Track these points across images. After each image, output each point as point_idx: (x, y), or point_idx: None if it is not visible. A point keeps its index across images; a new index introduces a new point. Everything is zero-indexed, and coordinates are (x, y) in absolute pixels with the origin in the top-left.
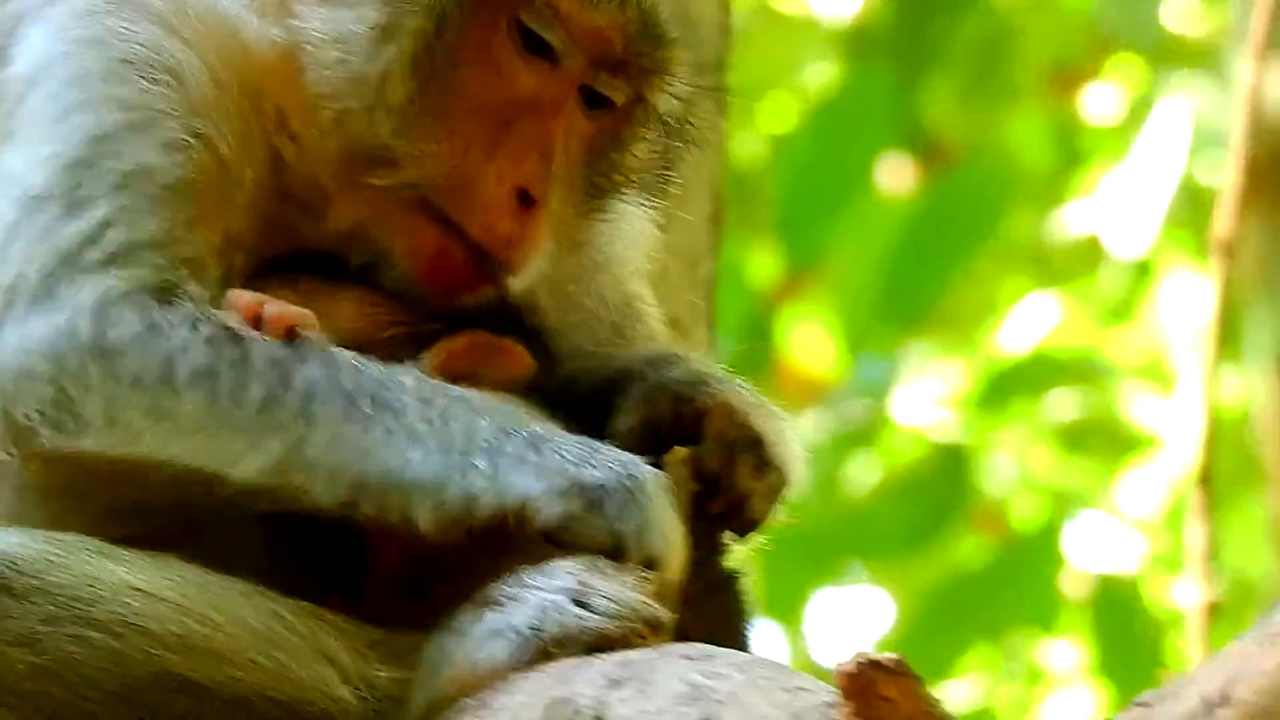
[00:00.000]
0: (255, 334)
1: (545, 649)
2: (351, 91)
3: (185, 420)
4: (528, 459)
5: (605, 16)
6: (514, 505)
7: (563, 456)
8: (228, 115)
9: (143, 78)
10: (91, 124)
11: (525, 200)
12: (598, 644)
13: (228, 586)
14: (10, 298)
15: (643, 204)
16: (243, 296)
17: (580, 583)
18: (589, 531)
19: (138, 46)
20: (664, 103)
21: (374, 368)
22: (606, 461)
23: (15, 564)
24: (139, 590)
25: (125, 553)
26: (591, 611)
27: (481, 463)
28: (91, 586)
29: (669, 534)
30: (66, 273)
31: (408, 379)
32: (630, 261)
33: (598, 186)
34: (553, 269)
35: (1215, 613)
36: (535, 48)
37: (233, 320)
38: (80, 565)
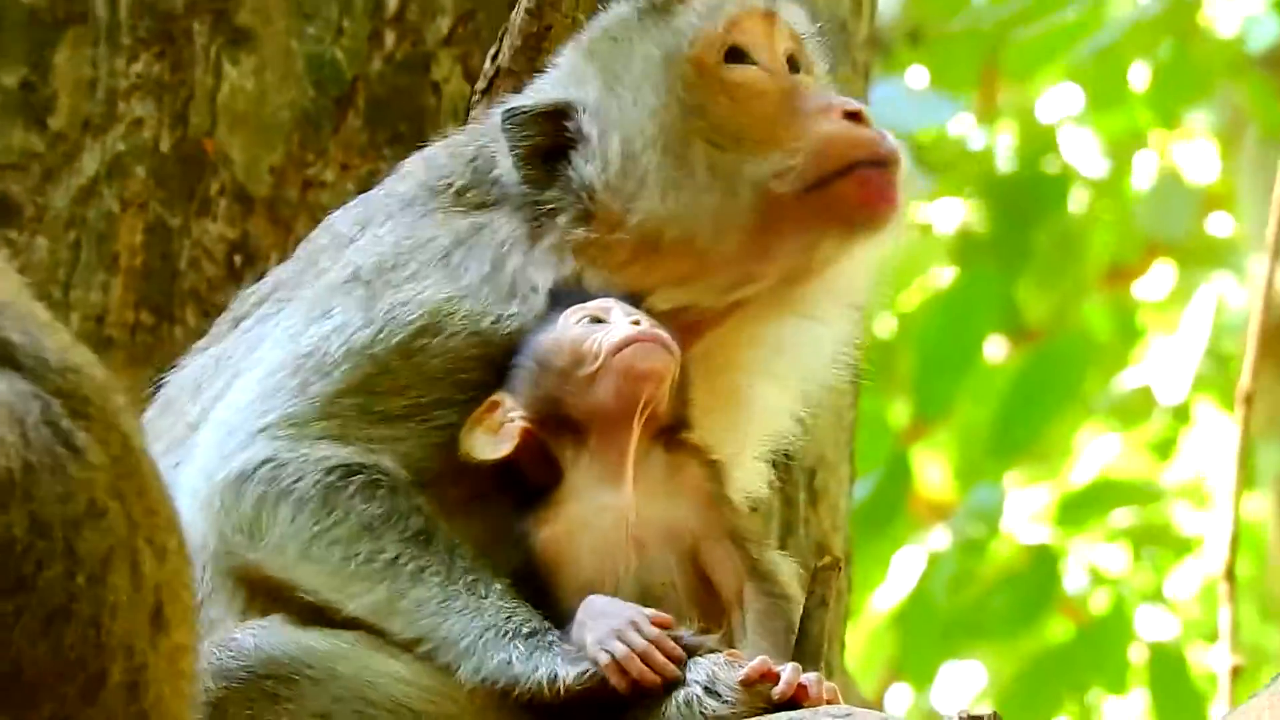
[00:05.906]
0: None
1: None
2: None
3: (327, 567)
4: (554, 649)
5: None
6: (546, 677)
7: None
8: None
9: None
10: (368, 332)
11: (855, 117)
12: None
13: None
14: (254, 434)
15: None
16: None
17: (710, 676)
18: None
19: (444, 294)
20: None
21: (479, 567)
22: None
23: (307, 657)
24: (403, 679)
25: (390, 650)
26: (720, 699)
27: (520, 646)
28: (369, 675)
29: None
30: (295, 430)
31: (500, 584)
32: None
33: None
34: None
35: (1238, 675)
36: None
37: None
38: (359, 659)
